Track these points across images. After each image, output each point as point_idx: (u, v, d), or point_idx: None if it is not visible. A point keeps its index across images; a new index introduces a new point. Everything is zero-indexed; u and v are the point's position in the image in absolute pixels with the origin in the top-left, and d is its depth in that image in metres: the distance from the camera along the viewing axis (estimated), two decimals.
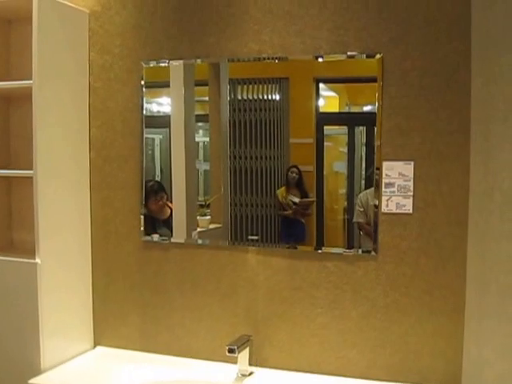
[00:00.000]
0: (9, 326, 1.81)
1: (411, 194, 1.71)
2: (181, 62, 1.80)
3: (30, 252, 1.79)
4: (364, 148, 1.73)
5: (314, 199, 1.74)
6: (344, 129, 1.75)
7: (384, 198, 1.70)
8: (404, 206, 1.71)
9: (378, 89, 1.66)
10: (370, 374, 1.77)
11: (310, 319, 1.82)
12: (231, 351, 1.66)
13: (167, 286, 1.97)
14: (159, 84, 1.85)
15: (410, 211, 1.71)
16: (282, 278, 1.84)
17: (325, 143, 1.71)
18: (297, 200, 1.77)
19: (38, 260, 1.79)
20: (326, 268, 1.78)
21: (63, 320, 1.89)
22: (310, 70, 1.68)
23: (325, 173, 1.73)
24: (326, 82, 1.70)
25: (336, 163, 1.77)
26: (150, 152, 1.92)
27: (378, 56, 1.67)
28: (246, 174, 1.79)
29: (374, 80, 1.64)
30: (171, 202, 1.92)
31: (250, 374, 1.78)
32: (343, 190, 1.78)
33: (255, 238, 1.85)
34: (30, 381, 1.70)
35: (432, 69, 1.66)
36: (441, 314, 1.71)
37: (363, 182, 1.74)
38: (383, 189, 1.70)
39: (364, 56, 1.66)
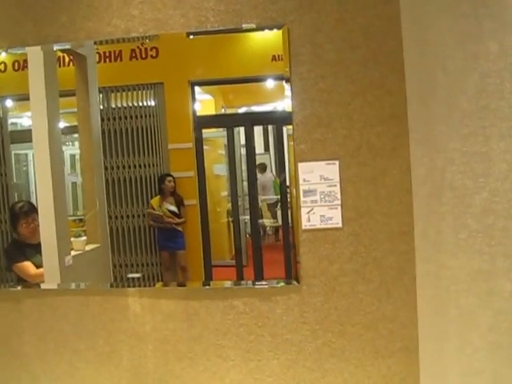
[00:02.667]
0: None
1: (339, 202, 1.40)
2: (39, 48, 1.59)
3: None
4: (244, 149, 1.61)
5: (184, 220, 1.68)
6: (222, 131, 1.69)
7: (304, 211, 1.36)
8: (331, 218, 1.40)
9: (286, 69, 1.43)
10: None
11: (219, 377, 1.46)
12: None
13: (23, 349, 1.54)
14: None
15: (340, 225, 1.41)
16: (175, 326, 1.46)
17: (204, 147, 1.62)
18: (173, 208, 1.69)
19: None
20: (234, 308, 1.44)
21: None
22: (185, 72, 1.65)
23: (206, 177, 1.62)
24: (201, 84, 1.65)
25: (216, 166, 1.68)
26: (24, 168, 1.76)
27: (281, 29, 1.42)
28: (124, 184, 1.67)
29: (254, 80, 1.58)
30: None
31: None
32: (225, 193, 1.68)
33: (137, 275, 1.53)
34: None
35: (353, 40, 1.37)
36: (389, 354, 1.41)
37: (245, 183, 1.62)
38: (302, 198, 1.36)
39: (266, 30, 1.46)
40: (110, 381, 1.49)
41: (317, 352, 1.42)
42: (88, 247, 1.67)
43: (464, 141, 1.28)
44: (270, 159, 1.69)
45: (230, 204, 1.65)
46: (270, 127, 1.69)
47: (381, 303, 1.39)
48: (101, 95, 1.68)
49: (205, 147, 1.63)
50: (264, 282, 1.43)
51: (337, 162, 1.38)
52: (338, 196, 1.38)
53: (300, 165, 1.37)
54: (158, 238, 1.63)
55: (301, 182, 1.37)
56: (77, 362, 1.51)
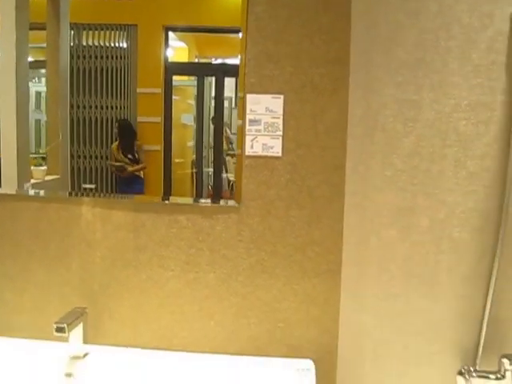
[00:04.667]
0: None
1: (280, 133, 1.55)
2: None
3: None
4: (213, 102, 1.67)
5: (144, 166, 1.73)
6: (193, 80, 1.73)
7: (248, 138, 1.52)
8: (272, 147, 1.55)
9: (242, 10, 1.56)
10: (232, 347, 1.60)
11: (159, 285, 1.61)
12: (60, 330, 1.44)
13: None
14: None
15: (279, 154, 1.56)
16: (124, 236, 1.60)
17: (173, 95, 1.68)
18: (130, 156, 1.72)
19: None
20: (178, 222, 1.58)
21: None
22: (160, 17, 1.68)
23: (172, 124, 1.67)
24: (175, 30, 1.68)
25: (184, 115, 1.71)
26: None
27: None
28: (89, 125, 1.71)
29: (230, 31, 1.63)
30: None
31: (85, 355, 1.53)
32: (191, 143, 1.71)
33: (91, 186, 1.62)
34: None
35: None
36: (314, 275, 1.57)
37: (211, 137, 1.69)
38: (247, 126, 1.50)
39: None
40: (60, 281, 1.63)
41: (250, 268, 1.57)
42: (48, 178, 1.72)
43: (398, 88, 1.45)
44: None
45: (194, 155, 1.69)
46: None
47: (310, 228, 1.54)
48: (72, 32, 1.68)
49: (174, 96, 1.68)
50: (207, 201, 1.57)
51: (282, 97, 1.52)
52: (280, 128, 1.52)
53: (248, 96, 1.52)
54: (117, 183, 1.69)
55: (247, 111, 1.51)
56: (31, 264, 1.64)
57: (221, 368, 1.53)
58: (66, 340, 1.53)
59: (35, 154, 1.75)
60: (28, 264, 1.66)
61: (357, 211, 1.54)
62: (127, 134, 1.71)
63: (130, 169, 1.73)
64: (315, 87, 1.52)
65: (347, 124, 1.52)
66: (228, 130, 1.67)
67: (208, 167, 1.68)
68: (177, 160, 1.70)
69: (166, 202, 1.59)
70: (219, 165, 1.66)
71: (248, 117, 1.48)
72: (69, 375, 1.50)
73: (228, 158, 1.68)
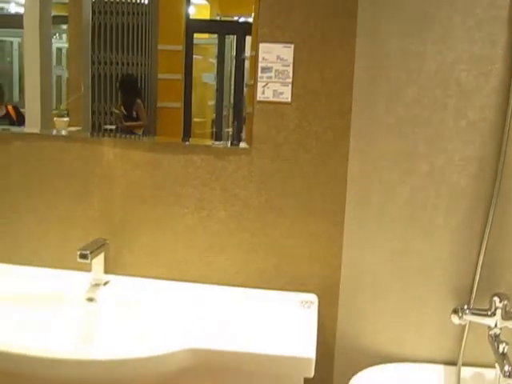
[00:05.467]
0: None
1: (290, 80, 1.64)
2: None
3: None
4: (234, 61, 1.71)
5: (143, 123, 1.80)
6: (214, 38, 1.75)
7: (260, 85, 1.62)
8: (282, 93, 1.64)
9: None
10: (242, 280, 1.73)
11: (175, 221, 1.74)
12: (83, 256, 1.55)
13: (9, 186, 1.81)
14: None
15: (289, 100, 1.65)
16: (142, 174, 1.73)
17: (194, 53, 1.72)
18: (126, 112, 1.79)
19: None
20: (193, 163, 1.69)
21: None
22: None
23: (193, 83, 1.72)
24: None
25: (205, 74, 1.75)
26: (8, 59, 1.83)
27: None
28: (110, 81, 1.76)
29: None
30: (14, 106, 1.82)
31: (106, 283, 1.69)
32: (212, 102, 1.76)
33: (112, 127, 1.72)
34: None
35: None
36: (320, 214, 1.68)
37: (232, 97, 1.74)
38: (259, 74, 1.61)
39: None
40: (82, 215, 1.78)
41: (259, 207, 1.69)
42: (70, 129, 1.82)
43: (403, 40, 1.54)
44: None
45: (214, 114, 1.75)
46: None
47: (317, 170, 1.66)
48: None
49: (195, 55, 1.73)
50: (220, 142, 1.69)
51: (292, 46, 1.62)
52: (290, 75, 1.62)
53: (261, 45, 1.62)
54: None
55: (260, 60, 1.62)
56: (56, 199, 1.78)
57: (230, 299, 1.67)
58: (87, 270, 1.68)
59: (56, 110, 1.85)
60: (53, 199, 1.80)
61: (360, 155, 1.64)
62: (127, 89, 1.77)
63: (126, 124, 1.80)
64: (324, 37, 1.60)
65: (353, 73, 1.61)
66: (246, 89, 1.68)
67: (228, 127, 1.73)
68: (196, 119, 1.77)
69: (186, 143, 1.72)
70: (239, 124, 1.72)
71: (260, 65, 1.59)
72: (90, 300, 1.63)
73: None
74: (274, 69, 1.62)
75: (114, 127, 1.73)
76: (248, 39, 1.69)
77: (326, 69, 1.62)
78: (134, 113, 1.79)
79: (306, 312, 1.59)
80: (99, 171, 1.74)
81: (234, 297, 1.67)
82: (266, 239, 1.68)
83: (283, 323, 1.51)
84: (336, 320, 1.70)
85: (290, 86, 1.64)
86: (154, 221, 1.74)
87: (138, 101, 1.77)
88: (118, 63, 1.75)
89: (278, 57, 1.62)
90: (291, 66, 1.63)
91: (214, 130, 1.78)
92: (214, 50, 1.75)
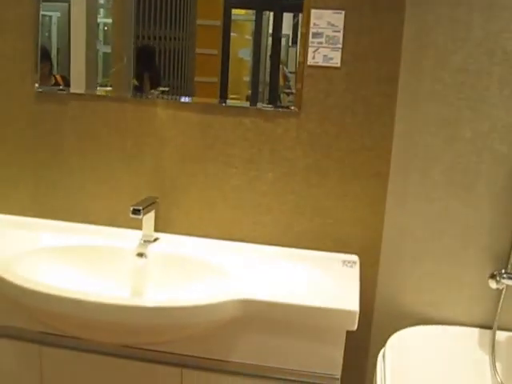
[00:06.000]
0: None
1: (340, 46, 1.68)
2: None
3: None
4: (270, 38, 1.72)
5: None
6: (251, 15, 1.76)
7: (310, 50, 1.67)
8: (332, 59, 1.69)
9: None
10: (286, 240, 1.79)
11: (224, 181, 1.80)
12: (136, 212, 1.61)
13: (65, 145, 1.88)
14: None
15: (338, 65, 1.69)
16: (193, 135, 1.78)
17: (232, 28, 1.75)
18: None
19: None
20: (243, 124, 1.74)
21: None
22: None
23: (230, 58, 1.75)
24: None
25: (241, 50, 1.76)
26: (46, 34, 1.87)
27: None
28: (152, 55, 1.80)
29: None
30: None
31: (155, 239, 1.76)
32: (247, 78, 1.78)
33: (165, 89, 1.78)
34: None
35: None
36: (364, 177, 1.72)
37: (267, 74, 1.76)
38: (310, 39, 1.66)
39: None
40: (134, 174, 1.85)
41: (306, 169, 1.75)
42: None
43: (451, 8, 1.59)
44: (296, 53, 1.76)
45: (250, 91, 1.78)
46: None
47: (363, 135, 1.70)
48: None
49: (232, 33, 1.77)
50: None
51: (343, 12, 1.66)
52: (340, 41, 1.66)
53: (312, 11, 1.67)
54: None
55: (311, 25, 1.67)
56: (110, 158, 1.86)
57: (276, 257, 1.73)
58: (138, 227, 1.76)
59: (98, 82, 1.90)
60: (106, 159, 1.88)
61: (406, 121, 1.68)
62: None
63: None
64: (374, 4, 1.64)
65: (402, 40, 1.64)
66: (285, 68, 1.75)
67: (263, 103, 1.76)
68: (232, 95, 1.79)
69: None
70: (274, 101, 1.75)
71: (311, 30, 1.64)
72: (140, 255, 1.70)
73: (283, 96, 1.77)
74: (325, 34, 1.66)
75: (167, 89, 1.75)
76: (286, 16, 1.73)
77: (376, 35, 1.65)
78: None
79: (348, 271, 1.65)
80: (151, 132, 1.80)
81: (280, 255, 1.74)
82: (311, 200, 1.73)
83: (327, 280, 1.58)
84: (376, 281, 1.75)
85: (340, 51, 1.68)
86: (203, 181, 1.80)
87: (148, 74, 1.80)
88: (159, 38, 1.80)
89: (328, 23, 1.66)
90: (341, 31, 1.67)
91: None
92: (251, 27, 1.77)
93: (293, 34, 1.73)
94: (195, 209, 1.79)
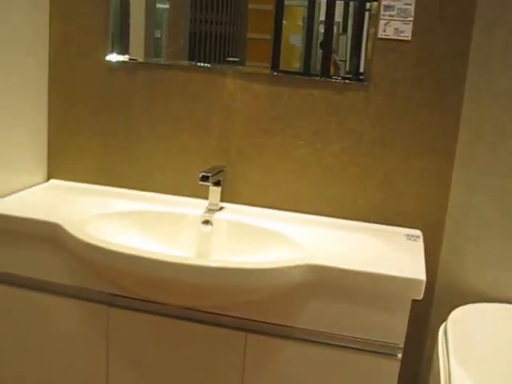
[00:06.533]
0: None
1: (411, 18, 1.68)
2: None
3: None
4: (322, 26, 1.73)
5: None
6: (303, 1, 1.76)
7: (382, 23, 1.68)
8: (402, 31, 1.69)
9: None
10: (350, 213, 1.81)
11: (290, 152, 1.82)
12: (204, 178, 1.63)
13: (134, 113, 1.92)
14: None
15: (409, 38, 1.69)
16: (262, 105, 1.80)
17: (284, 14, 1.75)
18: None
19: None
20: (311, 96, 1.75)
21: (14, 147, 1.87)
22: None
23: (281, 43, 1.76)
24: None
25: (293, 36, 1.76)
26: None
27: None
28: (205, 39, 1.84)
29: None
30: None
31: (221, 208, 1.80)
32: (297, 65, 1.80)
33: (236, 59, 1.80)
34: None
35: None
36: (430, 153, 1.72)
37: (318, 62, 1.78)
38: (382, 12, 1.67)
39: None
40: (201, 144, 1.88)
41: (372, 142, 1.76)
42: None
43: None
44: (346, 41, 1.77)
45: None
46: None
47: (432, 109, 1.70)
48: None
49: (286, 15, 1.78)
50: (340, 78, 1.77)
51: None
52: (412, 14, 1.67)
53: None
54: None
55: None
56: (178, 128, 1.92)
57: (339, 230, 1.75)
58: (204, 197, 1.83)
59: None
60: (174, 128, 1.91)
61: (475, 95, 1.68)
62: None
63: None
64: None
65: (474, 13, 1.64)
66: (335, 56, 1.76)
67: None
68: None
69: (307, 77, 1.77)
70: (357, 60, 1.74)
71: (383, 3, 1.65)
72: (206, 222, 1.74)
73: None
74: (397, 7, 1.66)
75: (237, 59, 1.80)
76: (338, 4, 1.73)
77: (448, 9, 1.65)
78: None
79: (412, 244, 1.66)
80: (220, 102, 1.83)
81: (343, 227, 1.76)
82: (376, 174, 1.75)
83: (392, 252, 1.59)
84: (438, 256, 1.76)
85: (411, 24, 1.67)
86: (269, 152, 1.83)
87: None
88: (211, 22, 1.84)
89: None
90: (413, 4, 1.66)
91: None
92: (303, 13, 1.78)
93: (343, 21, 1.73)
94: (260, 180, 1.82)
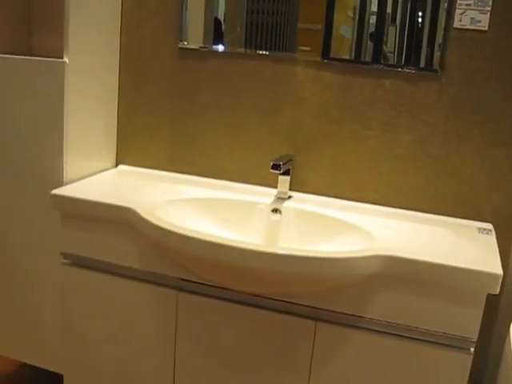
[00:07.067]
0: (33, 135, 1.82)
1: (489, 8, 1.65)
2: None
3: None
4: (374, 17, 1.72)
5: None
6: None
7: (458, 12, 1.65)
8: (479, 21, 1.66)
9: None
10: (419, 205, 1.79)
11: (359, 142, 1.81)
12: (275, 167, 1.63)
13: (203, 100, 1.94)
14: None
15: (485, 28, 1.66)
16: (332, 95, 1.80)
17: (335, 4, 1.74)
18: None
19: (65, 59, 1.77)
20: (383, 86, 1.74)
21: (86, 130, 1.89)
22: None
23: (332, 34, 1.76)
24: None
25: (343, 27, 1.76)
26: None
27: None
28: (261, 29, 1.85)
29: None
30: None
31: (289, 197, 1.80)
32: (346, 56, 1.79)
33: (307, 48, 1.80)
34: (53, 191, 1.72)
35: None
36: (504, 145, 1.70)
37: (368, 53, 1.75)
38: (458, 1, 1.64)
39: None
40: (270, 132, 1.89)
41: (445, 133, 1.74)
42: None
43: None
44: (395, 31, 1.75)
45: None
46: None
47: (507, 101, 1.68)
48: None
49: (336, 7, 1.76)
50: (412, 68, 1.75)
51: None
52: (490, 3, 1.63)
53: None
54: None
55: None
56: (247, 115, 1.92)
57: (409, 221, 1.74)
58: (271, 185, 1.85)
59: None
60: (243, 115, 1.92)
61: None
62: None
63: None
64: None
65: None
66: (385, 47, 1.75)
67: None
68: None
69: (378, 66, 1.75)
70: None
71: None
72: (275, 210, 1.74)
73: None
74: None
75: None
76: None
77: None
78: None
79: (485, 237, 1.63)
80: (290, 90, 1.83)
81: (414, 219, 1.75)
82: (448, 166, 1.73)
83: (466, 245, 1.56)
84: (509, 252, 1.71)
85: (488, 14, 1.65)
86: (338, 141, 1.83)
87: None
88: (267, 12, 1.84)
89: None
90: None
91: None
92: (353, 3, 1.76)
93: (392, 12, 1.71)
94: (329, 169, 1.82)
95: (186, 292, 1.63)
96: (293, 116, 1.84)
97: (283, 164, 1.64)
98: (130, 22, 1.99)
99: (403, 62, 1.76)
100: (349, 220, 1.67)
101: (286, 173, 1.77)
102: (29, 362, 2.01)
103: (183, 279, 1.62)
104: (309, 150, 1.79)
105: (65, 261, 1.75)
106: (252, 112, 1.88)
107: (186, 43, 1.92)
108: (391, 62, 1.75)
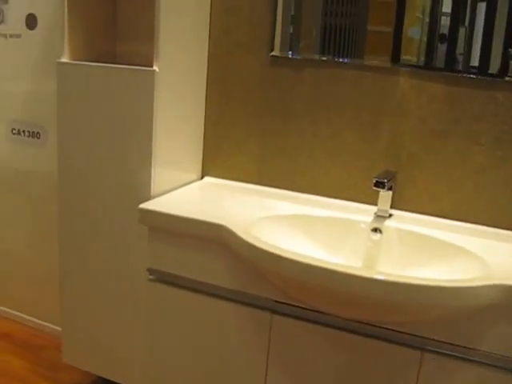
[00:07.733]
0: (122, 149, 1.83)
1: None
2: None
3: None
4: (446, 18, 1.64)
5: None
6: None
7: None
8: None
9: None
10: (500, 221, 1.65)
11: (466, 158, 1.69)
12: (379, 185, 1.55)
13: (296, 111, 1.85)
14: None
15: None
16: (438, 108, 1.69)
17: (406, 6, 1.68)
18: None
19: (155, 67, 1.74)
20: (495, 99, 1.62)
21: (173, 142, 1.87)
22: None
23: (402, 36, 1.70)
24: None
25: (412, 29, 1.69)
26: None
27: None
28: (335, 31, 1.81)
29: None
30: None
31: (390, 215, 1.70)
32: (414, 59, 1.71)
33: (409, 58, 1.71)
34: (141, 205, 1.68)
35: None
36: None
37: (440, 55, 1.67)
38: None
39: None
40: (369, 147, 1.80)
41: None
42: None
43: None
44: (465, 33, 1.67)
45: None
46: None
47: None
48: None
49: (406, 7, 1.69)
50: None
51: None
52: None
53: None
54: None
55: None
56: (343, 128, 1.83)
57: (485, 240, 1.62)
58: (367, 201, 1.76)
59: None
60: (340, 128, 1.83)
61: None
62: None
63: None
64: None
65: None
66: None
67: None
68: None
69: (495, 78, 1.63)
70: None
71: None
72: (375, 230, 1.65)
73: None
74: None
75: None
76: None
77: None
78: None
79: None
80: (392, 102, 1.74)
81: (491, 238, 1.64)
82: None
83: None
84: None
85: None
86: (443, 157, 1.72)
87: None
88: (337, 14, 1.80)
89: None
90: None
91: None
92: (422, 4, 1.69)
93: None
94: (433, 187, 1.72)
95: (279, 315, 1.57)
96: (394, 130, 1.75)
97: (387, 181, 1.53)
98: (218, 30, 1.93)
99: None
100: (456, 242, 1.56)
101: (389, 189, 1.65)
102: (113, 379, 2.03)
103: (277, 301, 1.54)
104: (411, 165, 1.75)
105: (151, 277, 1.70)
106: (350, 125, 1.81)
107: (277, 52, 1.87)
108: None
